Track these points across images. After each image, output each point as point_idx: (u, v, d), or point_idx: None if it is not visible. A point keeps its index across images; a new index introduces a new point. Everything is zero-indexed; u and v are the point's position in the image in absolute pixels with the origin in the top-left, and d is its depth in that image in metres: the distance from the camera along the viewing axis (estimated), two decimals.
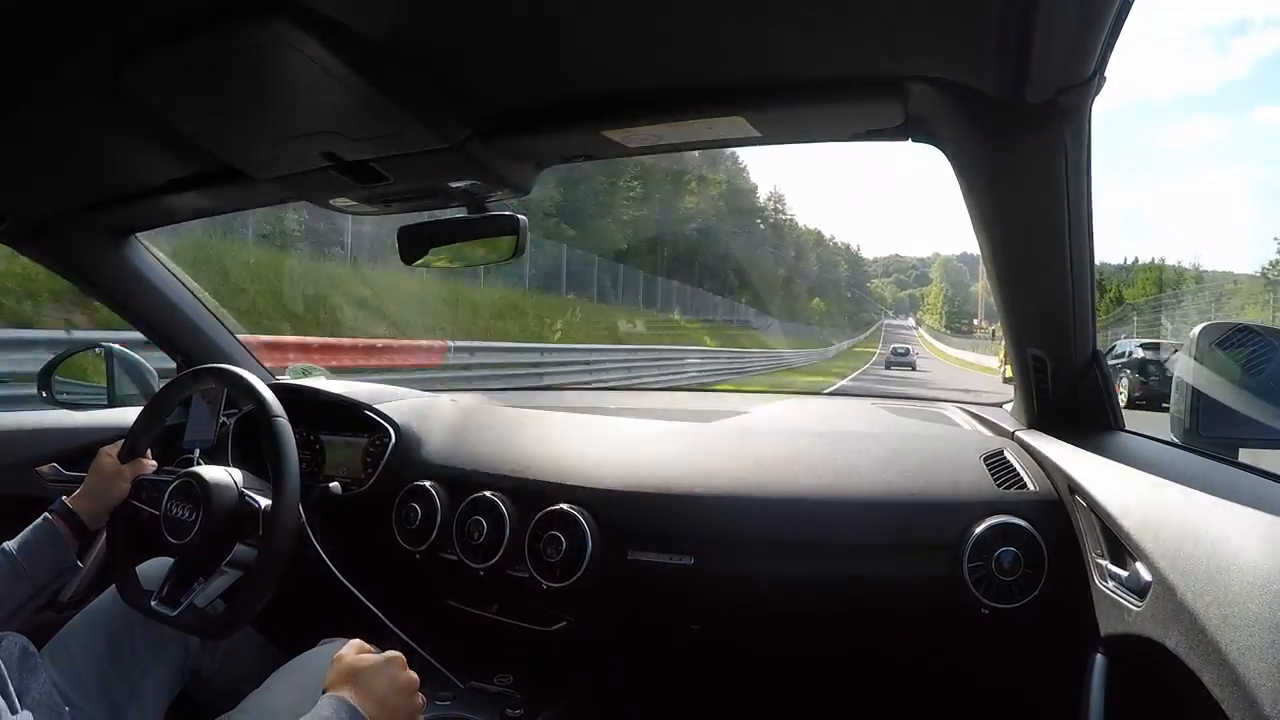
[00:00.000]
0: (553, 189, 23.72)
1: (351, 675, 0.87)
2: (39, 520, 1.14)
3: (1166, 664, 0.68)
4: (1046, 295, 1.03)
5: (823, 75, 0.83)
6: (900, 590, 1.16)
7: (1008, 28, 0.65)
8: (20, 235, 1.42)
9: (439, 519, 1.35)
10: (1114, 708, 0.83)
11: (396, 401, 1.62)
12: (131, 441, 1.27)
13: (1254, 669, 0.55)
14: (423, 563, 1.37)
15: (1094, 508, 0.93)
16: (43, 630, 1.14)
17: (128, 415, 1.44)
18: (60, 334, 5.67)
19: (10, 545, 1.11)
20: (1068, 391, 1.16)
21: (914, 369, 36.26)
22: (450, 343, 9.86)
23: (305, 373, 1.96)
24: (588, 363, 12.93)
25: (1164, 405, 1.07)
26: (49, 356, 1.69)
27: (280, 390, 1.30)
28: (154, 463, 1.29)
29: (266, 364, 1.84)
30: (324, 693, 0.86)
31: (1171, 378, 1.03)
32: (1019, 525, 1.09)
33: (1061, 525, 1.07)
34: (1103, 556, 0.91)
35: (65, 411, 1.64)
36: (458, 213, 1.18)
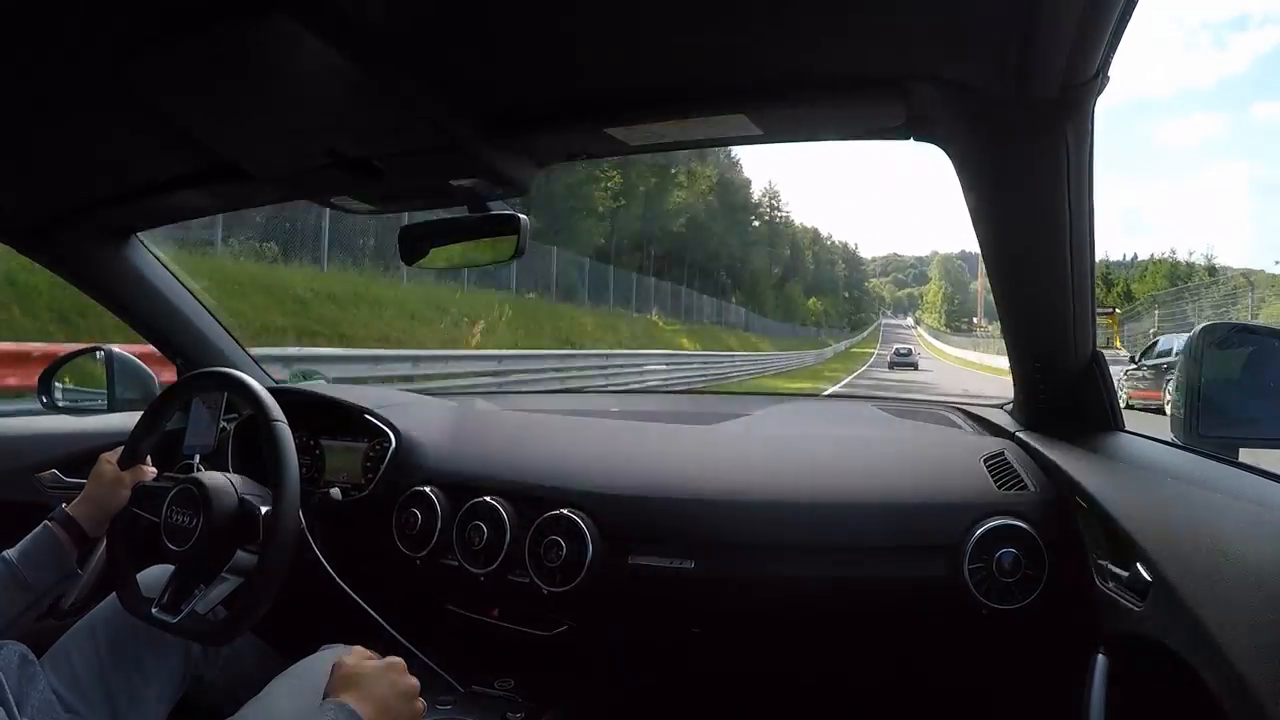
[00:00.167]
0: None
1: (352, 681, 0.87)
2: (39, 528, 1.14)
3: (1167, 664, 0.68)
4: (1047, 295, 1.03)
5: (825, 74, 0.83)
6: (901, 592, 1.16)
7: (1011, 27, 0.65)
8: (20, 235, 1.42)
9: (439, 524, 1.34)
10: (1115, 708, 0.83)
11: (397, 406, 1.62)
12: (131, 448, 1.27)
13: (1255, 669, 0.55)
14: (423, 568, 1.36)
15: (1094, 508, 0.93)
16: (43, 638, 1.14)
17: (128, 420, 1.44)
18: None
19: (10, 553, 1.11)
20: (1068, 392, 1.16)
21: (916, 369, 36.44)
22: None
23: (306, 377, 1.96)
24: (497, 372, 10.47)
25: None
26: None
27: (280, 394, 1.30)
28: (154, 469, 1.29)
29: None
30: (325, 699, 0.86)
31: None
32: (1019, 526, 1.09)
33: (1062, 526, 1.07)
34: (1103, 557, 0.92)
35: (65, 417, 1.64)
36: (458, 212, 1.18)
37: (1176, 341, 10.86)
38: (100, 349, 1.65)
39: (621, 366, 14.24)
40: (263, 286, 10.78)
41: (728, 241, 47.57)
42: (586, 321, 19.40)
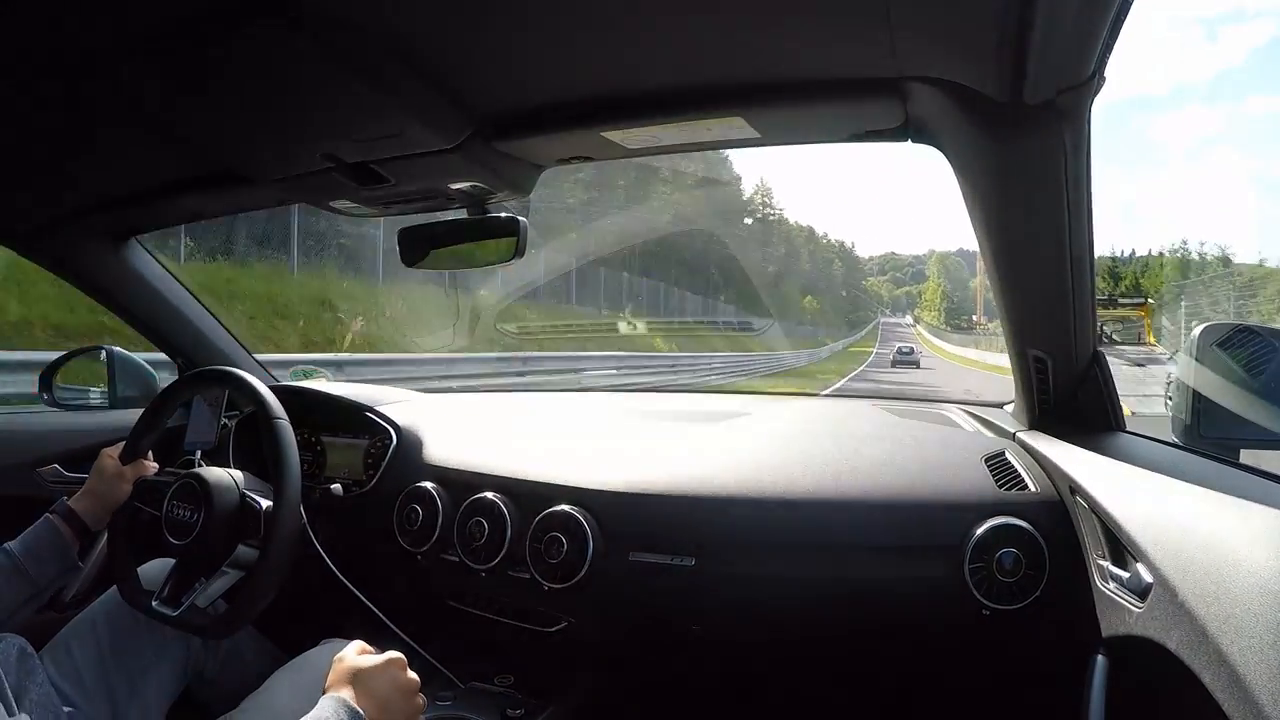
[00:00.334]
0: None
1: (352, 676, 0.88)
2: (40, 521, 1.15)
3: (1167, 665, 0.68)
4: (1047, 296, 1.03)
5: (822, 76, 0.83)
6: (901, 592, 1.16)
7: (1007, 28, 0.65)
8: (21, 238, 1.42)
9: (440, 520, 1.35)
10: (1115, 709, 0.83)
11: (398, 403, 1.62)
12: (133, 443, 1.28)
13: (1255, 670, 0.55)
14: (424, 564, 1.37)
15: (1095, 509, 0.93)
16: (44, 630, 1.14)
17: (129, 417, 1.44)
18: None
19: (12, 545, 1.11)
20: (1069, 392, 1.16)
21: (918, 366, 36.46)
22: None
23: (306, 375, 1.96)
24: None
25: None
26: None
27: (281, 392, 1.30)
28: (155, 464, 1.29)
29: None
30: (324, 693, 0.87)
31: None
32: (1020, 526, 1.08)
33: (1063, 526, 1.07)
34: (1104, 558, 0.91)
35: (67, 413, 1.64)
36: (458, 214, 1.18)
37: None
38: (102, 348, 1.65)
39: (550, 370, 11.10)
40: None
41: (716, 238, 46.28)
42: (536, 320, 16.23)
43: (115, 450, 1.26)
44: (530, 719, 1.26)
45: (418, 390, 1.90)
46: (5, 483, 1.51)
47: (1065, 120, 0.76)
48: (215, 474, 1.21)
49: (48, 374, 1.64)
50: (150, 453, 1.31)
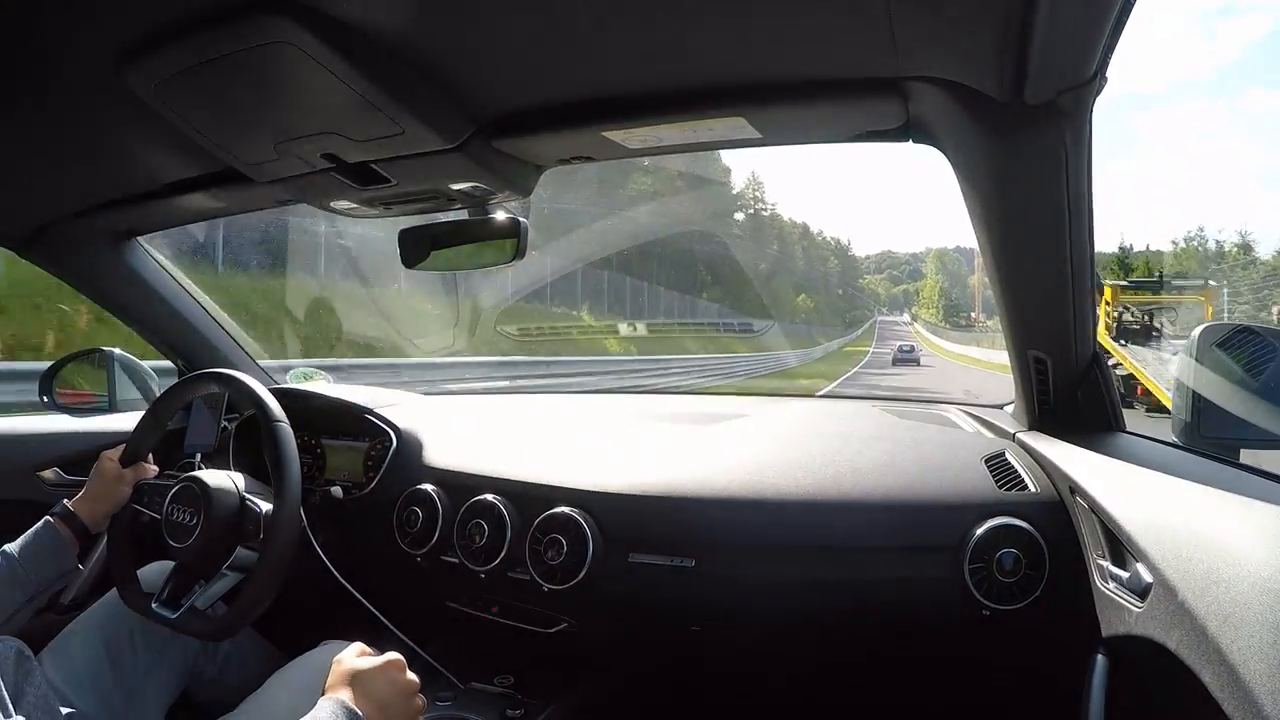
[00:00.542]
0: None
1: (351, 677, 0.88)
2: (40, 523, 1.15)
3: (1167, 665, 0.68)
4: (1047, 296, 1.03)
5: (824, 76, 0.83)
6: (901, 592, 1.16)
7: (1009, 29, 0.65)
8: (21, 239, 1.42)
9: (440, 522, 1.35)
10: (1115, 708, 0.83)
11: (398, 406, 1.62)
12: (133, 446, 1.28)
13: (1255, 669, 0.55)
14: (424, 566, 1.37)
15: (1095, 509, 0.93)
16: (43, 632, 1.14)
17: (129, 420, 1.44)
18: None
19: (11, 547, 1.11)
20: (1069, 393, 1.16)
21: (919, 364, 36.66)
22: None
23: (306, 377, 1.96)
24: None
25: None
26: None
27: (281, 395, 1.30)
28: (155, 467, 1.29)
29: None
30: (323, 695, 0.87)
31: None
32: (1020, 526, 1.09)
33: (1062, 526, 1.07)
34: (1104, 557, 0.91)
35: (67, 416, 1.64)
36: (458, 215, 1.18)
37: None
38: (102, 350, 1.65)
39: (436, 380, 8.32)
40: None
41: (705, 234, 44.48)
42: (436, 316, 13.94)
43: (115, 453, 1.26)
44: (530, 719, 1.26)
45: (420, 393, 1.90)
46: (5, 486, 1.51)
47: (1066, 121, 0.76)
48: (215, 477, 1.21)
49: (48, 377, 1.63)
50: (150, 455, 1.30)
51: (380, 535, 1.41)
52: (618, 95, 0.90)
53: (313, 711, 0.82)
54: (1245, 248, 45.01)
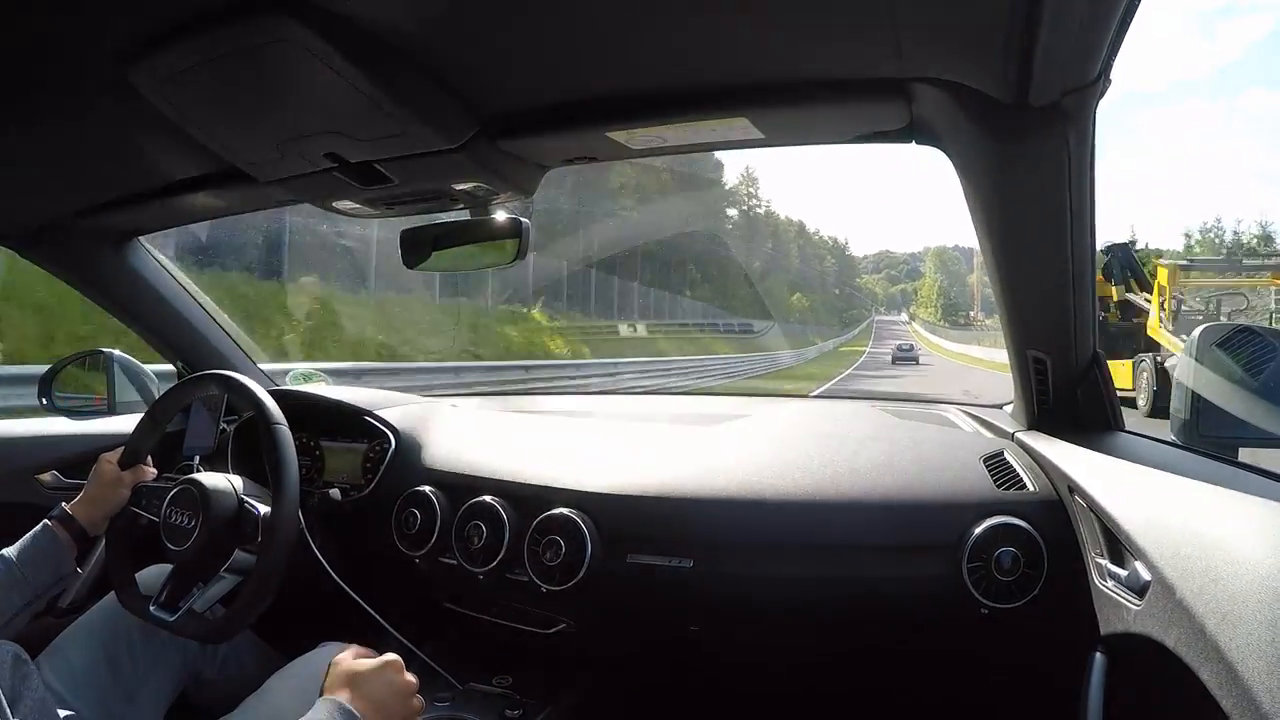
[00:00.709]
0: None
1: (349, 679, 0.88)
2: (38, 526, 1.14)
3: (1166, 663, 0.68)
4: (1048, 297, 1.04)
5: (827, 77, 0.83)
6: (899, 591, 1.16)
7: (1013, 30, 0.66)
8: (22, 238, 1.41)
9: (438, 524, 1.34)
10: (1113, 706, 0.84)
11: (396, 407, 1.62)
12: (132, 448, 1.27)
13: (1253, 667, 0.55)
14: (422, 567, 1.37)
15: (1093, 507, 0.93)
16: (41, 636, 1.14)
17: (128, 422, 1.44)
18: None
19: (9, 551, 1.11)
20: (1068, 393, 1.16)
21: (918, 363, 37.25)
22: None
23: (306, 379, 1.96)
24: None
25: None
26: None
27: (280, 397, 1.30)
28: (154, 470, 1.29)
29: None
30: (321, 696, 0.87)
31: None
32: (1018, 525, 1.09)
33: (1061, 525, 1.08)
34: (1102, 556, 0.92)
35: (65, 419, 1.64)
36: (460, 215, 1.18)
37: None
38: (101, 352, 1.65)
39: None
40: None
41: (693, 229, 42.91)
42: (362, 313, 12.45)
43: (114, 455, 1.26)
44: (528, 719, 1.27)
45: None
46: (3, 489, 1.50)
47: (1070, 122, 0.77)
48: (213, 480, 1.20)
49: (47, 379, 1.63)
50: (149, 457, 1.30)
51: (379, 537, 1.40)
52: (621, 96, 0.90)
53: (310, 713, 0.82)
54: (1266, 239, 43.57)
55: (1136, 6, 0.62)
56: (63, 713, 1.03)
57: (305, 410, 1.53)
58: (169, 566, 1.22)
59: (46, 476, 1.55)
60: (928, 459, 1.26)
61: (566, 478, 1.31)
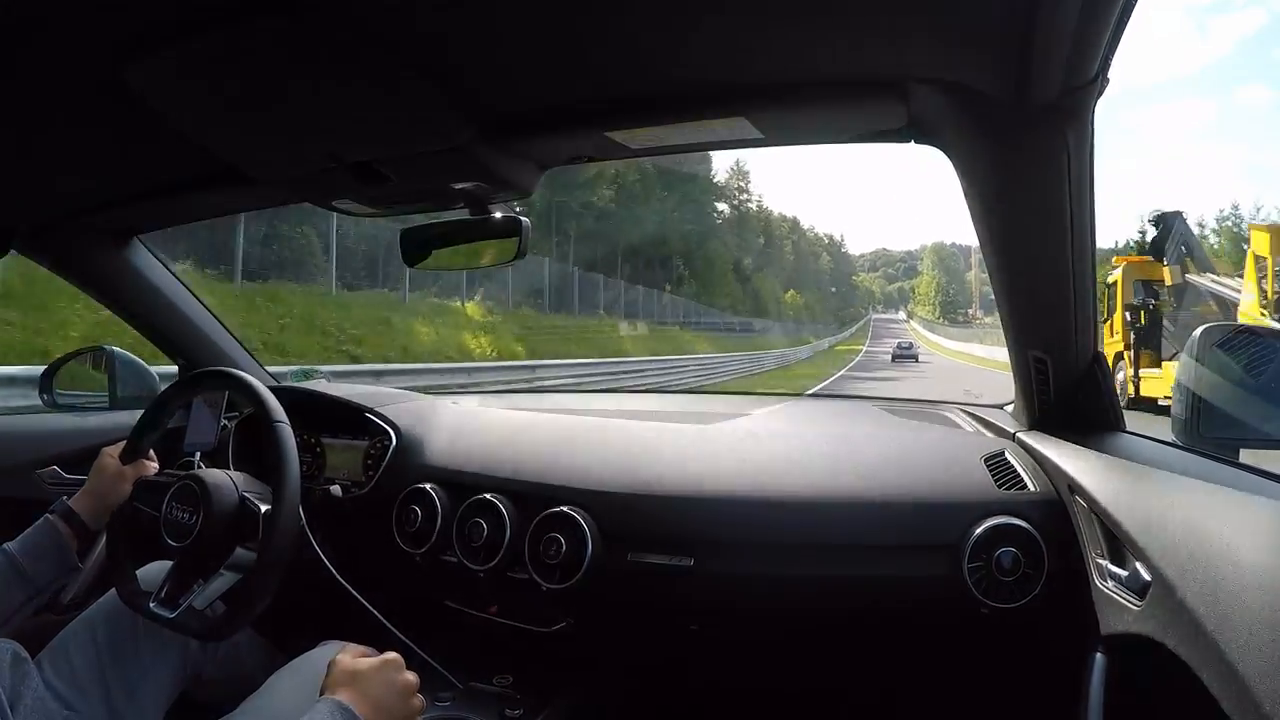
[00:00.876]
0: None
1: (349, 678, 0.88)
2: (40, 521, 1.14)
3: (1166, 663, 0.68)
4: (1048, 296, 1.04)
5: (826, 76, 0.83)
6: (900, 590, 1.16)
7: (1011, 30, 0.65)
8: (21, 237, 1.41)
9: (439, 521, 1.35)
10: (1113, 706, 0.84)
11: (398, 404, 1.62)
12: (133, 443, 1.27)
13: (1253, 667, 0.55)
14: (423, 565, 1.37)
15: (1094, 507, 0.94)
16: (42, 632, 1.14)
17: (129, 418, 1.44)
18: None
19: (11, 546, 1.11)
20: (1069, 393, 1.16)
21: (917, 360, 37.71)
22: None
23: (307, 376, 1.96)
24: None
25: None
26: None
27: (282, 393, 1.30)
28: (155, 464, 1.29)
29: None
30: (321, 695, 0.87)
31: None
32: (1019, 525, 1.09)
33: (1061, 525, 1.08)
34: (1103, 556, 0.92)
35: (67, 415, 1.64)
36: (459, 214, 1.18)
37: None
38: (103, 348, 1.65)
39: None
40: None
41: (678, 223, 41.68)
42: (296, 305, 11.76)
43: (116, 449, 1.26)
44: (529, 719, 1.27)
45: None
46: (4, 485, 1.50)
47: (1069, 121, 0.77)
48: (214, 476, 1.20)
49: (48, 375, 1.63)
50: (151, 452, 1.30)
51: (379, 534, 1.40)
52: (620, 96, 0.90)
53: (310, 712, 0.83)
54: None
55: (1134, 5, 0.62)
56: (63, 712, 1.03)
57: (306, 407, 1.53)
58: (170, 563, 1.22)
59: (47, 472, 1.56)
60: (929, 458, 1.26)
61: (567, 475, 1.31)
